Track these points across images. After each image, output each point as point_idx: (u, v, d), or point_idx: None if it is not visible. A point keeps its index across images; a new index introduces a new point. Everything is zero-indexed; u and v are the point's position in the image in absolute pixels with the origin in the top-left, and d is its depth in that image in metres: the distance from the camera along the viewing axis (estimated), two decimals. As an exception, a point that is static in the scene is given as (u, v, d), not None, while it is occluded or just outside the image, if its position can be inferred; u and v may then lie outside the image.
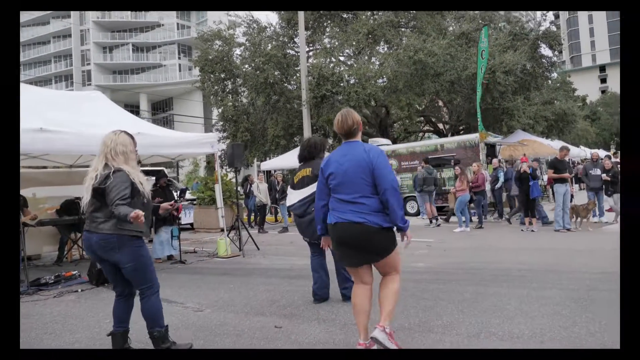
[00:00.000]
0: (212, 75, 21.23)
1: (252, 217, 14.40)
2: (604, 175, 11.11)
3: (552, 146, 18.67)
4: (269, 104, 21.04)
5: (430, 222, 11.68)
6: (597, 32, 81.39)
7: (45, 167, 9.71)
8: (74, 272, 7.03)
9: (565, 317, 3.91)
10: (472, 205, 11.62)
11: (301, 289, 5.43)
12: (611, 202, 10.78)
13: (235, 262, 7.96)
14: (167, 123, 54.78)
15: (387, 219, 3.07)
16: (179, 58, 57.95)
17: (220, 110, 21.11)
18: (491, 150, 14.95)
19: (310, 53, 20.84)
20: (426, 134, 28.31)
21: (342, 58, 21.59)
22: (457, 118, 23.23)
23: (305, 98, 17.30)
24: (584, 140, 38.33)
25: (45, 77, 58.11)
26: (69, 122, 7.11)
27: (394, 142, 19.69)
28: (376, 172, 3.02)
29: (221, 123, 21.71)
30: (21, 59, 58.56)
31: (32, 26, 58.50)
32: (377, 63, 20.09)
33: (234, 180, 11.32)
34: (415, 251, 7.90)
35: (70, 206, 8.63)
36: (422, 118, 26.90)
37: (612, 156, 14.54)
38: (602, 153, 20.78)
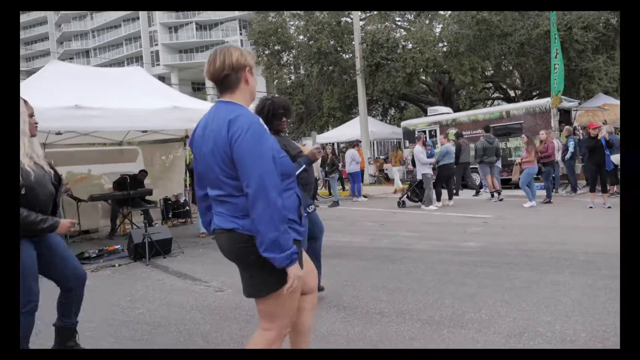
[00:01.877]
0: (266, 48, 20.98)
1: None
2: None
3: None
4: (325, 75, 20.47)
5: (492, 195, 10.71)
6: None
7: (104, 144, 10.01)
8: (117, 247, 7.11)
9: (638, 315, 3.17)
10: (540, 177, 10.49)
11: (332, 270, 5.00)
12: None
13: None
14: (231, 99, 55.92)
15: None
16: (241, 34, 58.42)
17: (275, 83, 20.89)
18: (566, 117, 13.45)
19: (367, 19, 19.84)
20: (495, 102, 26.37)
21: (400, 22, 20.43)
22: (529, 83, 21.28)
23: (359, 67, 16.55)
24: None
25: (118, 59, 61.15)
26: (108, 98, 7.09)
27: (459, 111, 18.43)
28: (236, 159, 1.76)
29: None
30: (95, 44, 62.09)
31: (102, 11, 61.46)
32: (439, 26, 18.74)
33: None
34: (469, 228, 7.18)
35: (121, 183, 8.80)
36: (490, 84, 25.08)
37: None
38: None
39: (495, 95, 26.03)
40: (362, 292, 4.16)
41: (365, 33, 16.54)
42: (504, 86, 23.96)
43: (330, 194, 15.31)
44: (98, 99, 6.74)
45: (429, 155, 10.11)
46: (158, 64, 55.64)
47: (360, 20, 18.86)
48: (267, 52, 21.28)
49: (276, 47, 21.11)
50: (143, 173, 9.32)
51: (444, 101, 20.55)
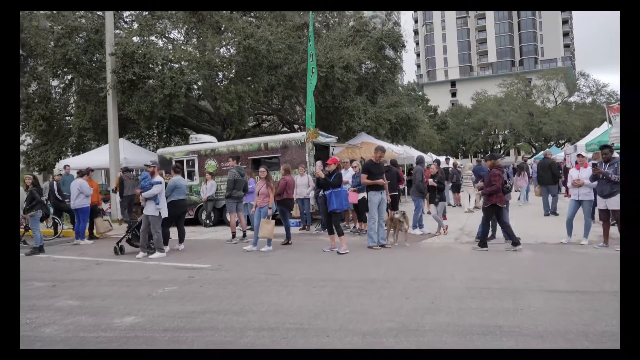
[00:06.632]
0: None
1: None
2: (430, 180, 9.99)
3: (393, 150, 17.86)
4: (79, 88, 17.17)
5: (233, 236, 9.37)
6: (449, 50, 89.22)
7: None
8: None
9: None
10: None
11: None
12: (434, 211, 9.65)
13: None
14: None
15: None
16: None
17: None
18: (324, 153, 13.34)
19: (125, 30, 17.40)
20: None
21: (172, 38, 18.60)
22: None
23: (110, 81, 14.05)
24: (433, 147, 40.12)
25: None
26: None
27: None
28: None
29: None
30: None
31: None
32: (216, 50, 17.52)
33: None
34: (160, 288, 5.49)
35: None
36: (274, 117, 25.11)
37: (441, 161, 13.91)
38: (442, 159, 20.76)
39: (284, 129, 26.15)
40: None
41: (117, 44, 14.11)
42: (291, 120, 24.11)
43: (55, 233, 12.15)
44: None
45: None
46: None
47: (118, 29, 16.40)
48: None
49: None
50: None
51: (224, 130, 19.30)
